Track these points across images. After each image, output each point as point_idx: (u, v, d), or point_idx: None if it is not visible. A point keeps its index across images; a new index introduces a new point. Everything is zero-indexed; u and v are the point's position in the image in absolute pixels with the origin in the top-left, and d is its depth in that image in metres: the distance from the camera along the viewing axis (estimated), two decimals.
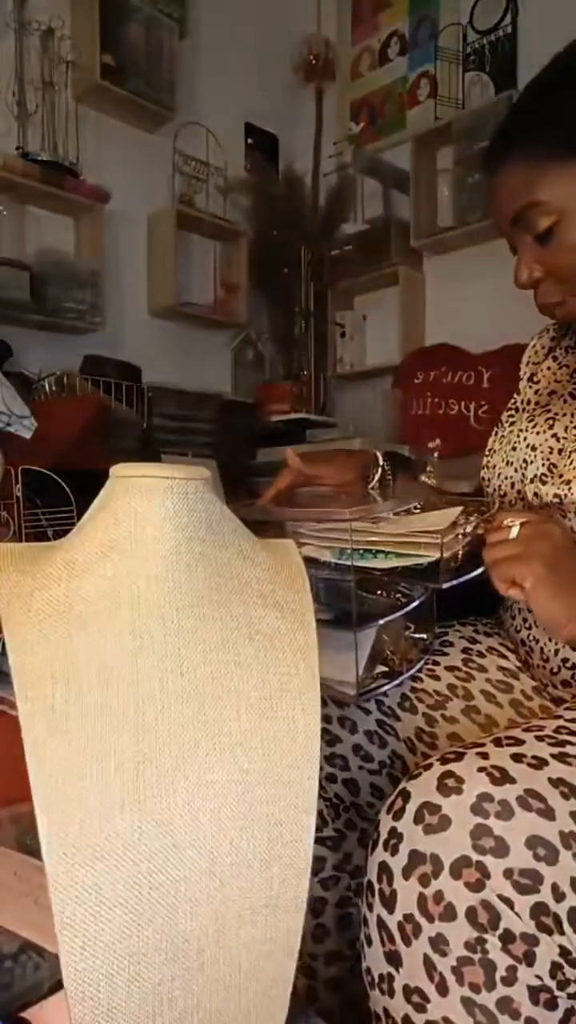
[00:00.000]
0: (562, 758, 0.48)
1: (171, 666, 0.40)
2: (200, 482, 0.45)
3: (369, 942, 0.47)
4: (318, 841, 0.70)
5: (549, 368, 0.86)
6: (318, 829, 0.70)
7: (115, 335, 2.29)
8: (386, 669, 0.68)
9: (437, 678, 0.74)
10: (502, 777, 0.45)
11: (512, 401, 0.88)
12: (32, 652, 0.38)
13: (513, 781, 0.45)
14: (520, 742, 0.49)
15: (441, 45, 2.37)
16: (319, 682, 0.42)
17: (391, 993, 0.45)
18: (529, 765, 0.47)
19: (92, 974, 0.34)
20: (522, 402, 0.86)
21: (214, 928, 0.37)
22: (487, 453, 0.85)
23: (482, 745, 0.49)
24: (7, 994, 0.45)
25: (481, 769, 0.46)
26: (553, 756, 0.48)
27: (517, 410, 0.86)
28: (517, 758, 0.47)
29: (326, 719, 0.71)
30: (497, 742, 0.49)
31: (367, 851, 0.49)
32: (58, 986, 0.46)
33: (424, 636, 0.76)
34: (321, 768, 0.69)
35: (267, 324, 2.74)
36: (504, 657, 0.78)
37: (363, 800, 0.70)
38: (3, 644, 0.73)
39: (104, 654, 0.39)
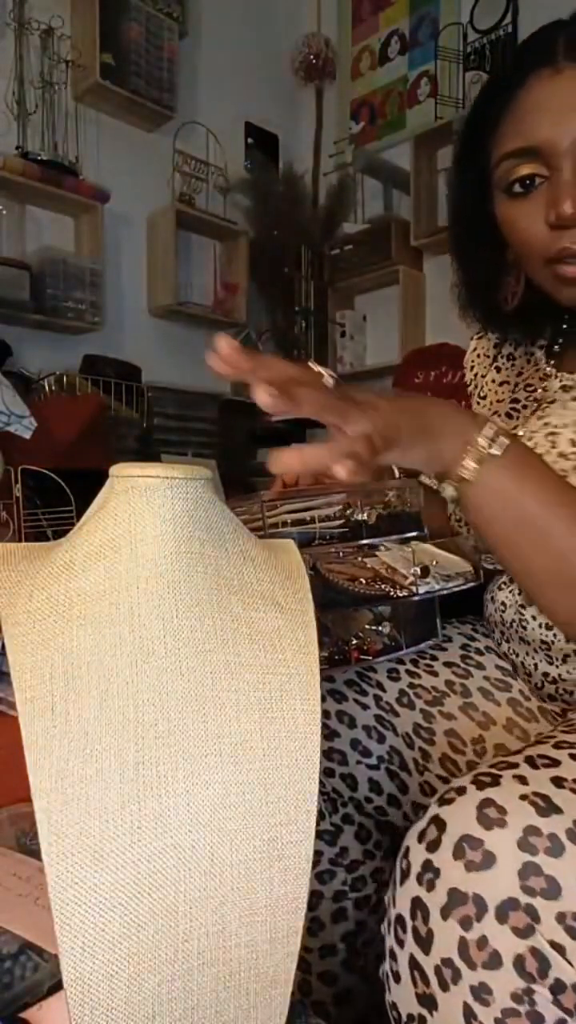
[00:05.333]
0: None
1: (170, 666, 0.39)
2: (200, 482, 0.45)
3: (397, 979, 0.44)
4: (315, 835, 0.70)
5: (494, 381, 0.80)
6: (315, 824, 0.70)
7: (115, 335, 2.29)
8: (324, 653, 0.69)
9: (435, 674, 0.74)
10: (547, 807, 0.41)
11: None
12: (32, 652, 0.38)
13: (560, 811, 0.41)
14: (556, 762, 0.45)
15: (441, 44, 2.37)
16: (319, 682, 0.42)
17: None
18: (573, 791, 0.43)
19: (92, 975, 0.34)
20: None
21: (214, 929, 0.37)
22: None
23: (516, 766, 0.45)
24: (7, 994, 0.45)
25: (523, 797, 0.42)
26: None
27: None
28: (558, 782, 0.43)
29: (324, 714, 0.71)
30: (531, 762, 0.45)
31: (395, 877, 0.46)
32: (58, 986, 0.46)
33: (383, 629, 0.76)
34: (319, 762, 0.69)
35: (267, 324, 2.74)
36: (502, 657, 0.78)
37: (361, 795, 0.71)
38: (3, 644, 0.73)
39: (104, 654, 0.39)
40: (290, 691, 0.41)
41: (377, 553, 0.69)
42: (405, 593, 0.69)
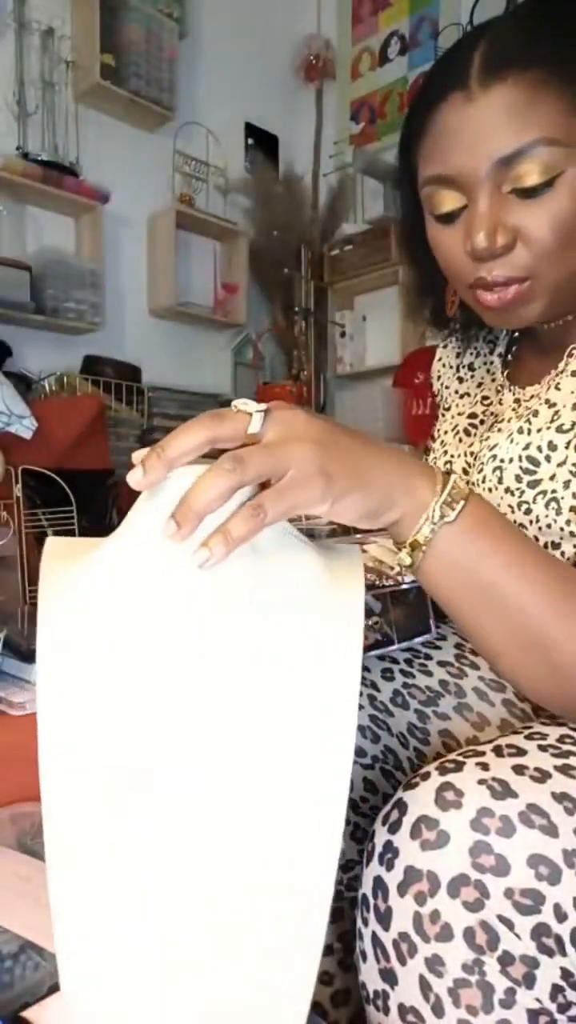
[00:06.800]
0: (566, 770, 0.46)
1: (199, 660, 0.39)
2: None
3: (364, 957, 0.46)
4: None
5: (456, 392, 0.80)
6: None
7: (115, 335, 2.29)
8: None
9: (429, 673, 0.74)
10: (503, 791, 0.43)
11: (435, 431, 0.82)
12: (62, 639, 0.38)
13: (515, 795, 0.43)
14: (522, 752, 0.47)
15: (441, 45, 2.37)
16: (359, 682, 0.41)
17: (386, 1011, 0.44)
18: (531, 778, 0.44)
19: (90, 976, 0.34)
20: (439, 433, 0.81)
21: (221, 929, 0.37)
22: None
23: (482, 754, 0.47)
24: (7, 994, 0.45)
25: (481, 781, 0.44)
26: (557, 768, 0.46)
27: (432, 445, 0.80)
28: (519, 770, 0.45)
29: None
30: (498, 751, 0.47)
31: (363, 860, 0.47)
32: (58, 986, 0.46)
33: (374, 624, 0.76)
34: None
35: (267, 324, 2.75)
36: None
37: (356, 795, 0.70)
38: (3, 643, 0.73)
39: (126, 646, 0.39)
40: (321, 690, 0.41)
41: (366, 548, 0.69)
42: (391, 583, 0.70)
